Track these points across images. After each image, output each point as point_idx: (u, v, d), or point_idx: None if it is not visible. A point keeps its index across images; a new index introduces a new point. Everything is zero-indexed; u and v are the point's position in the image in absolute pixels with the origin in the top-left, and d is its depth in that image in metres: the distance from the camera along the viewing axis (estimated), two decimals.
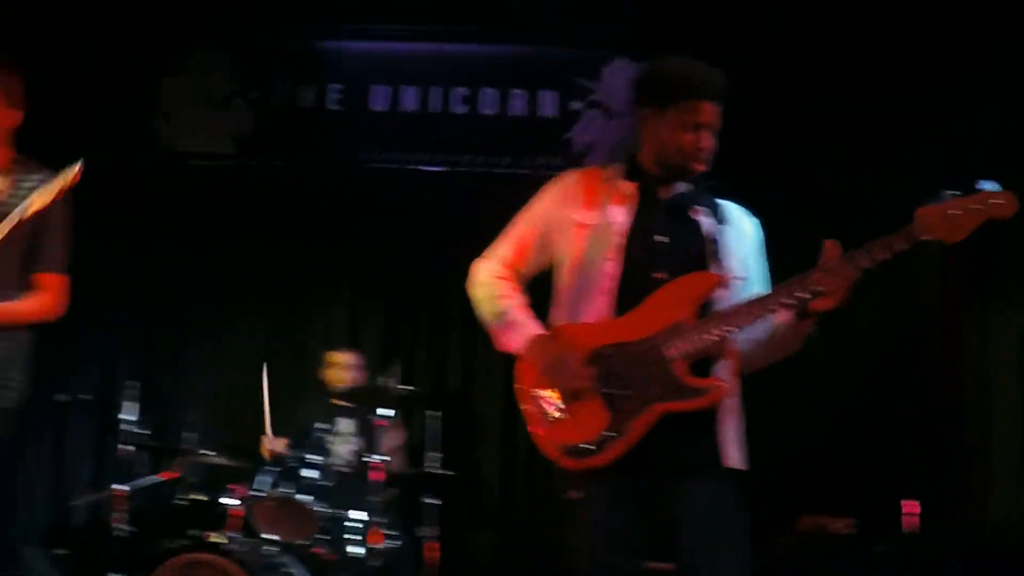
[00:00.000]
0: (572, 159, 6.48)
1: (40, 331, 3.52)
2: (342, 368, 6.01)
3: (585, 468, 2.70)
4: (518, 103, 6.76)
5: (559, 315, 2.92)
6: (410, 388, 5.72)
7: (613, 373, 2.71)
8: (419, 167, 6.67)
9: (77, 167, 3.14)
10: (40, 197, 3.17)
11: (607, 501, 2.74)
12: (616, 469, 2.68)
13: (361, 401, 5.83)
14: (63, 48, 6.52)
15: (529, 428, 2.80)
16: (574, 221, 2.89)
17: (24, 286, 3.42)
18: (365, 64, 6.86)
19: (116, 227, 6.44)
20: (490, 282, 3.05)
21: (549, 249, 2.98)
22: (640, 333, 2.73)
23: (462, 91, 6.80)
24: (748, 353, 2.86)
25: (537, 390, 2.81)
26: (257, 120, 6.85)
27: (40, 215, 3.27)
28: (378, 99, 6.77)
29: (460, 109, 6.79)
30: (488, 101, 6.76)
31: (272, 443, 5.78)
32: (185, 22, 6.78)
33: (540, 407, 2.79)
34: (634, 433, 2.66)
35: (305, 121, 6.79)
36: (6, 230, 3.19)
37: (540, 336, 2.84)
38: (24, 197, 3.24)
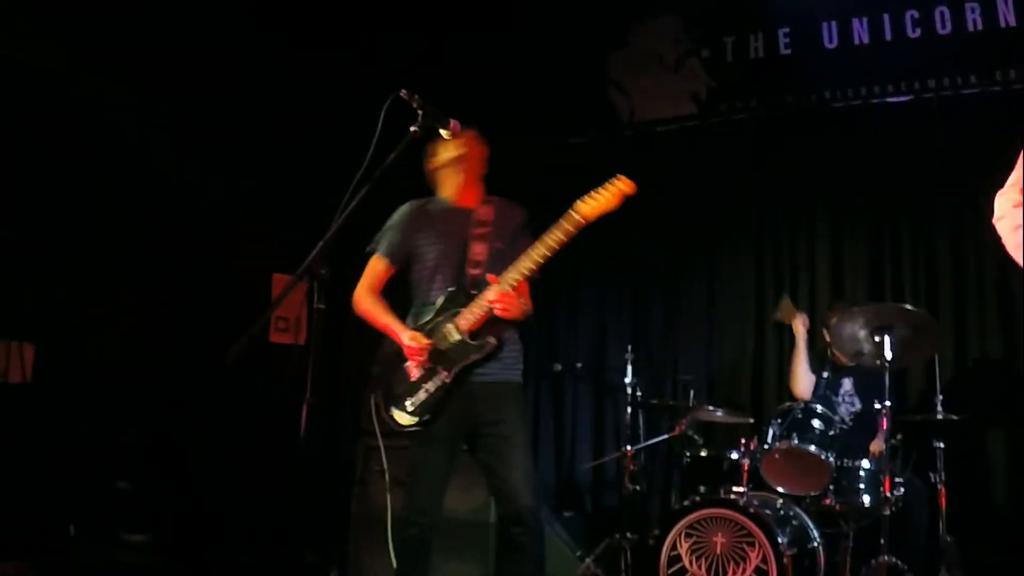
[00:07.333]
0: None
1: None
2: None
3: None
4: (974, 16, 6.24)
5: None
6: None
7: None
8: (884, 100, 6.37)
9: (625, 182, 3.40)
10: (588, 206, 3.56)
11: None
12: None
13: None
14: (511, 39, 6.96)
15: None
16: None
17: None
18: (810, 2, 6.63)
19: None
20: (1008, 214, 2.86)
21: None
22: None
23: (913, 13, 6.38)
24: None
25: None
26: (712, 76, 6.87)
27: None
28: (829, 36, 6.53)
29: (915, 33, 6.38)
30: (943, 19, 6.29)
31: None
32: None
33: None
34: None
35: (760, 70, 6.69)
36: (555, 241, 3.62)
37: None
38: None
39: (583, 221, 3.60)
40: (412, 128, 3.32)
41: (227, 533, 6.08)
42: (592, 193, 3.64)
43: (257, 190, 6.78)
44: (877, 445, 5.24)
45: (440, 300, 3.89)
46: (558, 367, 6.81)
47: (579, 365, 6.78)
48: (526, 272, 3.69)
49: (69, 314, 5.95)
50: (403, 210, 4.08)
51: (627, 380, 6.05)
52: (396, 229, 4.04)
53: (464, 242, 3.92)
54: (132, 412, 6.13)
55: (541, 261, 3.66)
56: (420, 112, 3.34)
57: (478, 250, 3.89)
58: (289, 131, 6.88)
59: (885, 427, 4.99)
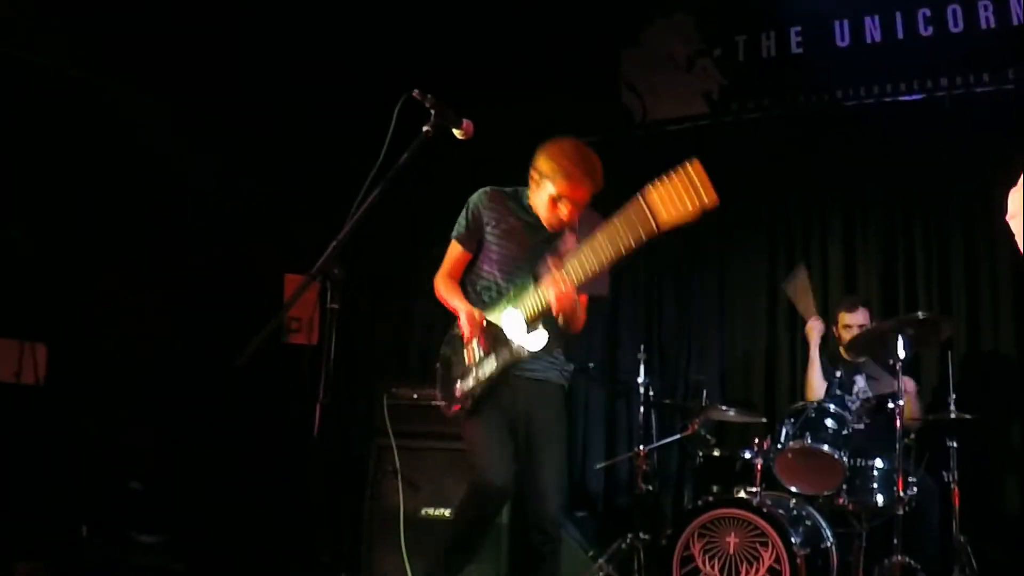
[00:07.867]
0: None
1: None
2: (855, 327, 5.75)
3: None
4: (987, 14, 6.22)
5: None
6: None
7: None
8: (896, 98, 6.37)
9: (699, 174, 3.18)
10: (665, 212, 3.22)
11: None
12: None
13: (872, 352, 5.65)
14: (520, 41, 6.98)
15: None
16: None
17: None
18: (822, 1, 6.61)
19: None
20: (1021, 211, 2.85)
21: None
22: None
23: (925, 11, 6.38)
24: None
25: None
26: (724, 76, 6.87)
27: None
28: (841, 35, 6.52)
29: (927, 31, 6.37)
30: (955, 18, 6.29)
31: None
32: None
33: None
34: None
35: (772, 69, 6.69)
36: (624, 246, 3.37)
37: None
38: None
39: (655, 229, 3.28)
40: (424, 128, 3.31)
41: (239, 533, 6.08)
42: (667, 182, 3.22)
43: (269, 190, 6.79)
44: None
45: (507, 287, 3.91)
46: (570, 367, 6.78)
47: (591, 365, 6.75)
48: (588, 272, 3.52)
49: (81, 315, 5.97)
50: (479, 197, 4.05)
51: (639, 380, 6.04)
52: (469, 215, 4.04)
53: (539, 258, 3.84)
54: (144, 413, 6.15)
55: (606, 264, 3.48)
56: (432, 112, 3.32)
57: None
58: (300, 130, 6.89)
59: (899, 427, 4.97)
